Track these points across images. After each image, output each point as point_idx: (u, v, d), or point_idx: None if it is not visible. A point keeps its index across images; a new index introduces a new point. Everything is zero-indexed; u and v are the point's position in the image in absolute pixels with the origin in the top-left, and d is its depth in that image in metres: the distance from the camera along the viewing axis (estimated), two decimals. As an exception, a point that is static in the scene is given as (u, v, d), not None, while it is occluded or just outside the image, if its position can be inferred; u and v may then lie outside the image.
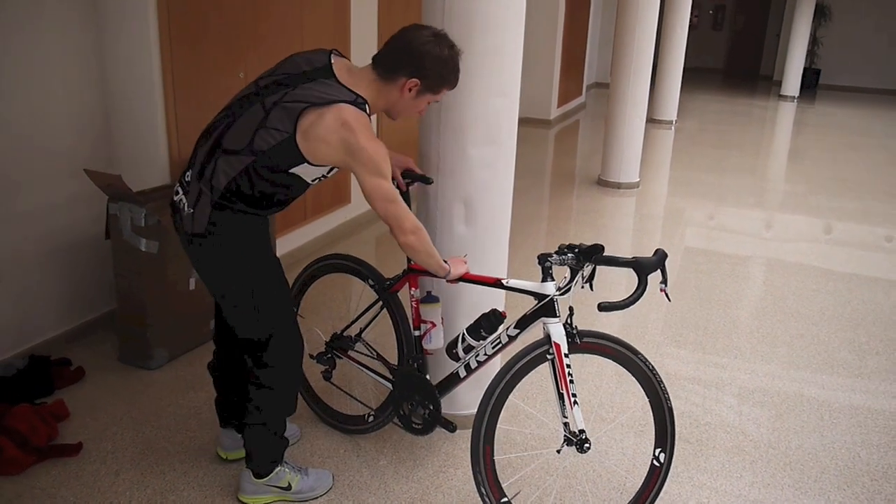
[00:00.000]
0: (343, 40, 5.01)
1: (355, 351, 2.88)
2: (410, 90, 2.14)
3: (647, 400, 2.37)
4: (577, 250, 2.17)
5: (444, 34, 2.16)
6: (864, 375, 3.65)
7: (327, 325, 3.69)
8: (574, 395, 2.25)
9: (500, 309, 2.54)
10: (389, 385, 2.71)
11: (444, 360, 2.58)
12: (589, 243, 2.18)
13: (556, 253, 2.19)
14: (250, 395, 2.37)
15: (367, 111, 2.11)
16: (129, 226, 3.17)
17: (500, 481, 2.32)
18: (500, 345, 2.39)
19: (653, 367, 2.33)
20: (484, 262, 2.74)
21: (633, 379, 2.36)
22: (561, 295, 2.23)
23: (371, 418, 2.83)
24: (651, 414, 2.38)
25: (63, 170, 3.38)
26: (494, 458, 2.29)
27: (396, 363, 2.73)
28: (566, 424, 2.28)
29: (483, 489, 2.27)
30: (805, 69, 15.05)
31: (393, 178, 2.29)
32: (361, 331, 2.86)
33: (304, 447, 2.85)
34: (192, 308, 3.46)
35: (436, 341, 2.57)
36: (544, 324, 2.26)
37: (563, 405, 2.25)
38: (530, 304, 2.30)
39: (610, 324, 4.03)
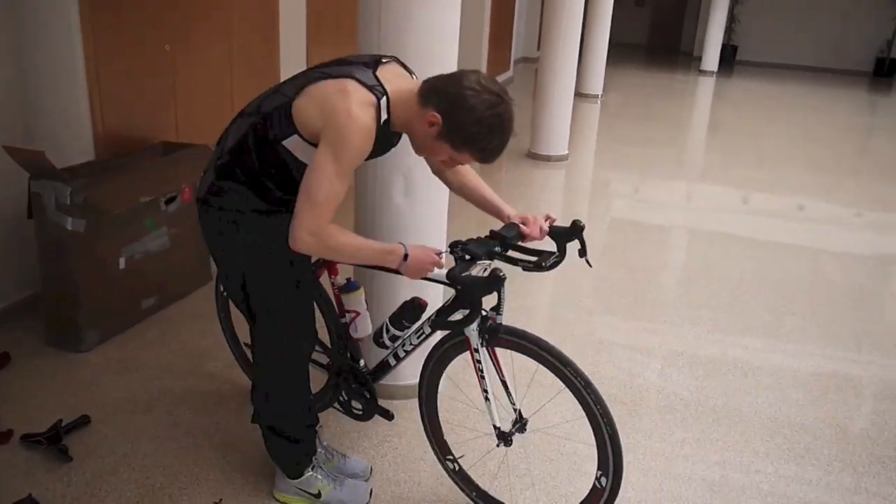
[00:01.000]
0: (271, 9, 4.90)
1: None
2: (431, 126, 1.86)
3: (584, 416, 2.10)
4: (475, 244, 2.08)
5: (502, 98, 1.83)
6: (783, 336, 3.86)
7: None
8: (486, 391, 2.21)
9: (421, 297, 2.36)
10: (325, 372, 2.68)
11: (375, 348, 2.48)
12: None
13: (458, 250, 2.06)
14: (251, 396, 2.34)
15: (383, 103, 1.87)
16: (53, 204, 3.05)
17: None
18: (424, 335, 2.31)
19: (587, 381, 2.03)
20: (423, 234, 2.76)
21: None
22: None
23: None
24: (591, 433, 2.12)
25: (-21, 146, 3.22)
26: (441, 425, 2.33)
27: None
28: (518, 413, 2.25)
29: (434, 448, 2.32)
30: (723, 45, 15.53)
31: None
32: None
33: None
34: (123, 288, 3.37)
35: (362, 329, 2.48)
36: (464, 314, 2.16)
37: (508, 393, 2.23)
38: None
39: (542, 292, 4.13)
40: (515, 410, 2.26)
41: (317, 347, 2.56)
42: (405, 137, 2.05)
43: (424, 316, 2.30)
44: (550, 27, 6.84)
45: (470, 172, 2.30)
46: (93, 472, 2.51)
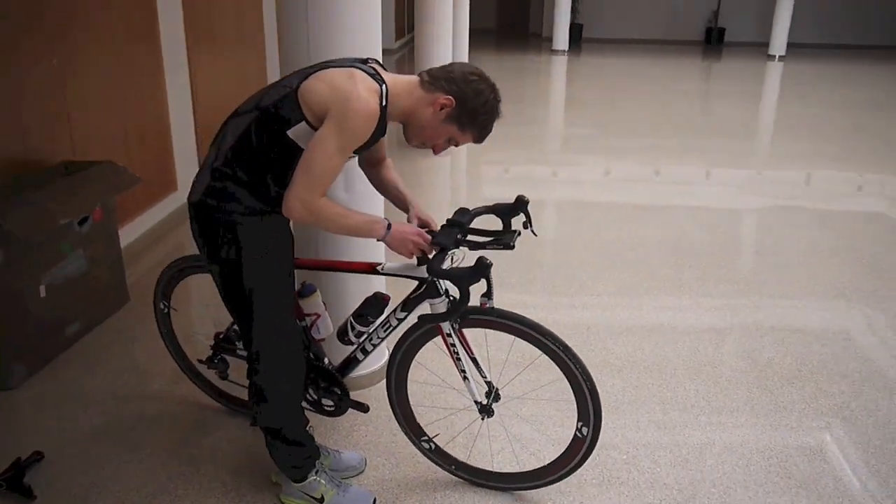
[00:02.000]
0: (150, 13, 4.74)
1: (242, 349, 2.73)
2: (442, 109, 2.02)
3: (564, 379, 2.30)
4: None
5: (494, 86, 2.08)
6: (684, 285, 4.24)
7: (210, 327, 3.60)
8: (463, 371, 2.35)
9: (383, 291, 2.48)
10: None
11: (339, 344, 2.52)
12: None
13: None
14: (250, 398, 2.33)
15: (384, 90, 1.97)
16: (-37, 236, 2.87)
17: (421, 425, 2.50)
18: (391, 327, 2.39)
19: (565, 345, 2.23)
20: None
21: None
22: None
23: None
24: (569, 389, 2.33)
25: None
26: (412, 411, 2.43)
27: None
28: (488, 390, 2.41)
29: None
30: (570, 24, 16.32)
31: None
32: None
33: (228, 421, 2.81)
34: (46, 316, 3.22)
35: (324, 330, 2.51)
36: (431, 304, 2.27)
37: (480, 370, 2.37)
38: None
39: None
40: (487, 383, 2.41)
41: None
42: None
43: (388, 310, 2.40)
44: (424, 17, 7.00)
45: (392, 168, 2.45)
46: (56, 512, 2.43)
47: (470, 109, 2.03)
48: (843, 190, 6.37)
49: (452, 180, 6.66)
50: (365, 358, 2.51)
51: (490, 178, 6.45)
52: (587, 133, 8.51)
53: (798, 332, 3.69)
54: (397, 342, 2.40)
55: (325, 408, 2.65)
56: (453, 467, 2.57)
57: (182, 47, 5.19)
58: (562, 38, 15.85)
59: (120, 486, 2.53)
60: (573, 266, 4.50)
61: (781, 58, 15.40)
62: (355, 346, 2.48)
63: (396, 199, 2.40)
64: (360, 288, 2.76)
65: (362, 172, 2.57)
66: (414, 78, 2.08)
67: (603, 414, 2.30)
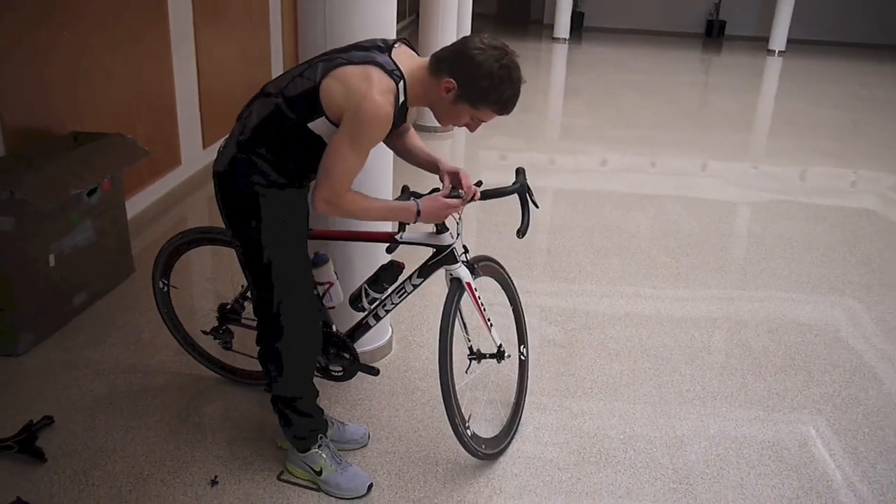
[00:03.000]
0: (158, -7, 4.75)
1: (248, 318, 2.79)
2: (448, 91, 2.02)
3: (509, 308, 2.80)
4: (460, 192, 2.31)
5: (506, 51, 2.03)
6: (682, 275, 4.31)
7: (213, 300, 3.65)
8: (489, 319, 2.54)
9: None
10: None
11: (348, 309, 2.60)
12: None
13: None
14: (264, 364, 2.37)
15: (401, 87, 2.01)
16: (-25, 203, 2.90)
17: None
18: (406, 293, 2.52)
19: (510, 275, 2.76)
20: (370, 187, 2.72)
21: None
22: (456, 242, 2.42)
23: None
24: (512, 319, 2.83)
25: None
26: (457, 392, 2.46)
27: None
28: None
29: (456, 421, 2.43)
30: (571, 13, 16.30)
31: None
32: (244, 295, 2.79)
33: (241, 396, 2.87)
34: (54, 285, 3.26)
35: (336, 298, 2.58)
36: (447, 270, 2.43)
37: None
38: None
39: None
40: (470, 337, 2.58)
41: None
42: None
43: (403, 277, 2.50)
44: (429, 2, 7.00)
45: (416, 135, 2.50)
46: (73, 470, 2.48)
47: (473, 86, 2.00)
48: (837, 185, 6.45)
49: (456, 164, 6.69)
50: (376, 324, 2.60)
51: (488, 165, 6.49)
52: (586, 122, 8.55)
53: (791, 322, 3.77)
54: (442, 322, 2.40)
55: (334, 373, 2.72)
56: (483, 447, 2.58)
57: (189, 23, 5.20)
58: (563, 27, 15.84)
59: (129, 452, 2.58)
60: (572, 253, 4.56)
61: (781, 53, 15.45)
62: (367, 311, 2.55)
63: (426, 162, 2.46)
64: (370, 257, 2.82)
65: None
66: (426, 62, 2.08)
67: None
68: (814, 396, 3.12)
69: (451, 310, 2.41)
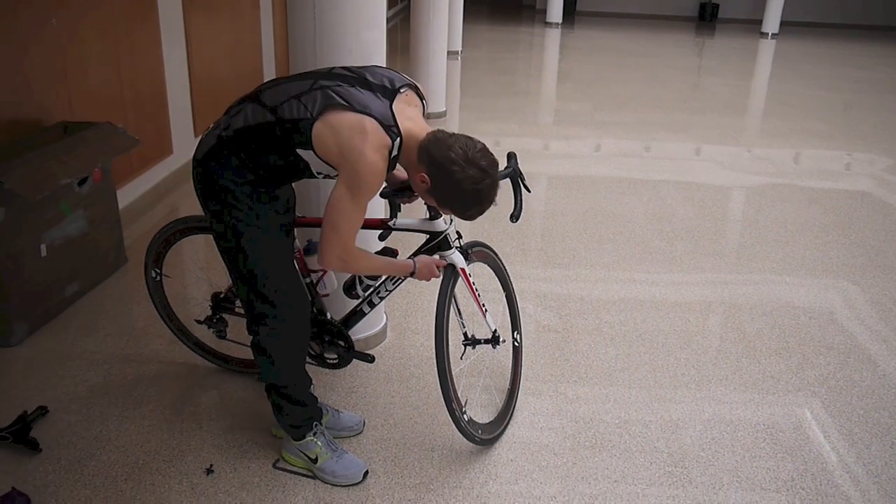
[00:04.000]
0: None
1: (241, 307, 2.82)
2: (423, 182, 2.05)
3: (502, 293, 2.83)
4: None
5: (486, 173, 2.03)
6: (676, 259, 4.31)
7: (207, 289, 3.63)
8: (483, 305, 2.55)
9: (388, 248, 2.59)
10: None
11: (343, 297, 2.60)
12: None
13: None
14: (255, 353, 2.36)
15: (396, 144, 2.01)
16: (-35, 194, 2.88)
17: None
18: (400, 280, 2.51)
19: (502, 260, 2.78)
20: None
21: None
22: (450, 228, 2.42)
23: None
24: (505, 305, 2.85)
25: None
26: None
27: None
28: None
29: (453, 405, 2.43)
30: (564, -3, 16.24)
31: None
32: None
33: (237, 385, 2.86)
34: (46, 275, 3.24)
35: (329, 285, 2.59)
36: (441, 256, 2.43)
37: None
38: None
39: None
40: (465, 324, 2.59)
41: None
42: None
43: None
44: (420, -15, 6.95)
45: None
46: (68, 459, 2.47)
47: (444, 194, 2.06)
48: (831, 168, 6.44)
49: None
50: (371, 311, 2.60)
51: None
52: (579, 107, 8.52)
53: (786, 305, 3.77)
54: (437, 310, 2.40)
55: (329, 361, 2.71)
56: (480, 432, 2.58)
57: (179, 10, 5.15)
58: (556, 11, 15.76)
59: (124, 441, 2.58)
60: (567, 238, 4.56)
61: (774, 35, 15.40)
62: (361, 299, 2.54)
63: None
64: (363, 244, 2.79)
65: None
66: (423, 135, 2.06)
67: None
68: (808, 379, 3.13)
69: (445, 296, 2.40)
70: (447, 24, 7.29)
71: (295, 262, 2.38)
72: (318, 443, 2.45)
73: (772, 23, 15.39)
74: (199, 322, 2.89)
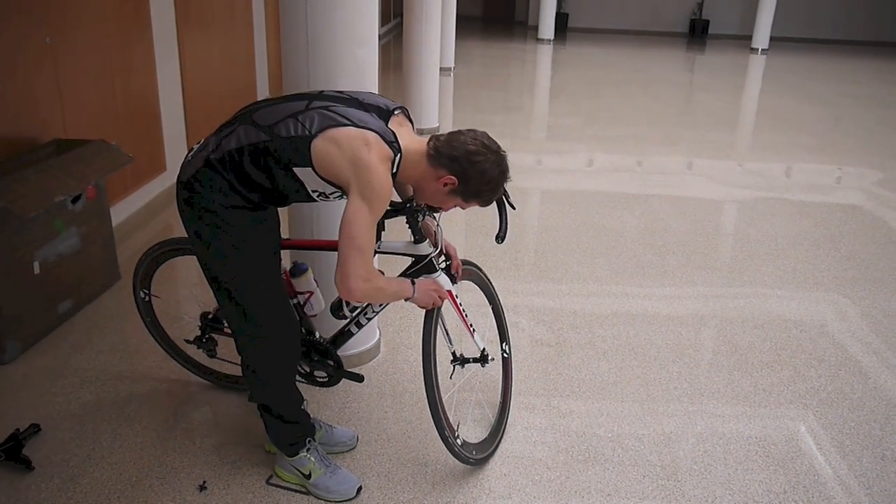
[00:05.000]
0: (140, -2, 4.73)
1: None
2: (446, 185, 2.10)
3: (488, 307, 2.86)
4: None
5: (500, 154, 2.14)
6: (668, 273, 4.33)
7: (197, 308, 3.63)
8: (471, 325, 2.55)
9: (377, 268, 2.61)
10: None
11: (330, 317, 2.56)
12: None
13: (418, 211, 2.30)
14: (244, 374, 2.36)
15: (397, 160, 2.03)
16: (-42, 212, 2.88)
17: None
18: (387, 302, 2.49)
19: (487, 275, 2.81)
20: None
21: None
22: (436, 253, 2.40)
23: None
24: (492, 317, 2.88)
25: None
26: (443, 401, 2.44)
27: None
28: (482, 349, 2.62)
29: (445, 433, 2.42)
30: (556, 14, 16.37)
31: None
32: None
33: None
34: (39, 293, 3.24)
35: (317, 306, 2.57)
36: (426, 279, 2.38)
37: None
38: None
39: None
40: (452, 343, 2.59)
41: None
42: None
43: None
44: (413, 3, 7.01)
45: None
46: (61, 478, 2.47)
47: (473, 188, 2.11)
48: (822, 182, 6.50)
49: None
50: (359, 331, 2.59)
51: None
52: (571, 122, 8.57)
53: (777, 318, 3.80)
54: (424, 332, 2.39)
55: (318, 379, 2.70)
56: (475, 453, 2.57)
57: (172, 28, 5.19)
58: (547, 28, 15.90)
59: (117, 459, 2.57)
60: (559, 252, 4.58)
61: (764, 51, 15.56)
62: (349, 319, 2.54)
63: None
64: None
65: None
66: (423, 146, 2.10)
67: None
68: (800, 391, 3.15)
69: (432, 323, 2.39)
70: (440, 40, 7.34)
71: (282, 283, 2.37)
72: (312, 458, 2.44)
73: (761, 38, 15.55)
74: (188, 342, 2.88)
